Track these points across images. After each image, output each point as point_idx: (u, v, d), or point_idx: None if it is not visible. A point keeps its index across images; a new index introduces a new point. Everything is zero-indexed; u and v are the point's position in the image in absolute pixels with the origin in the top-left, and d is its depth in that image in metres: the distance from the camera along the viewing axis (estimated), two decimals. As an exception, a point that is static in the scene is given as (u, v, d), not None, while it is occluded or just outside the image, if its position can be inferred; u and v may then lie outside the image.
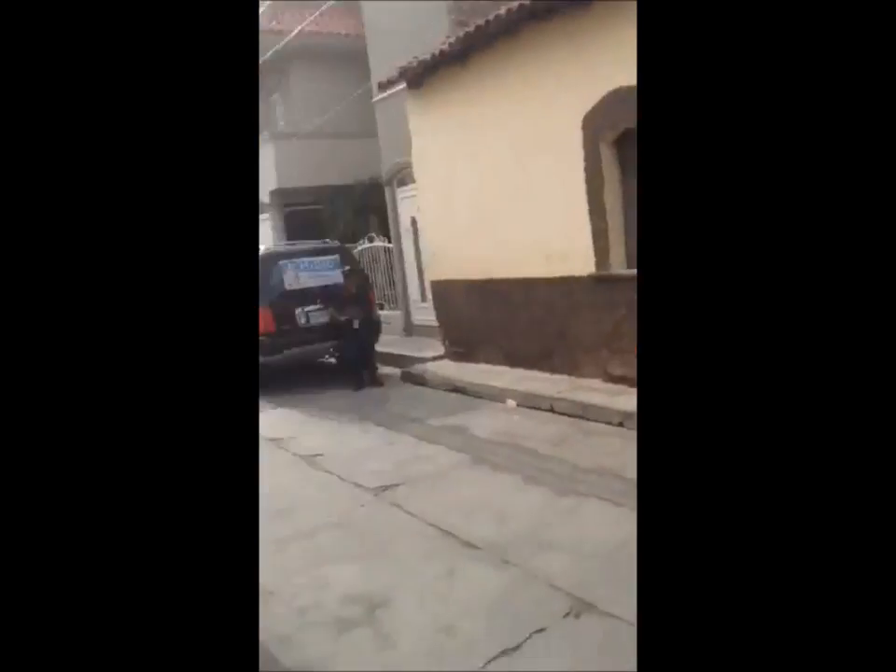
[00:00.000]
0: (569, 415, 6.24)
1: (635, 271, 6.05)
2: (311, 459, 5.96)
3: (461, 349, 8.82)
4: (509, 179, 7.58)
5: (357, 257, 11.30)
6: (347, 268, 9.25)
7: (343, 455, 5.95)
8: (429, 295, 9.96)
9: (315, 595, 3.57)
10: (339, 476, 5.42)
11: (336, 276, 9.13)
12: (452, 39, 7.73)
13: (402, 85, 9.13)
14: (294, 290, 8.90)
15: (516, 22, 6.89)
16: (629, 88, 5.83)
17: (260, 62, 13.55)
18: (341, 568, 3.84)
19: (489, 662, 2.81)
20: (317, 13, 11.50)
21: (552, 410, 6.47)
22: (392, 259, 11.74)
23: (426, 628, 3.14)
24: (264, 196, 14.77)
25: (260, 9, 12.50)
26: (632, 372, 6.11)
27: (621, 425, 5.69)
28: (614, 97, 6.18)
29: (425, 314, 10.76)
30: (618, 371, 6.52)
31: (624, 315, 6.27)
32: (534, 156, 7.22)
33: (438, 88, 8.47)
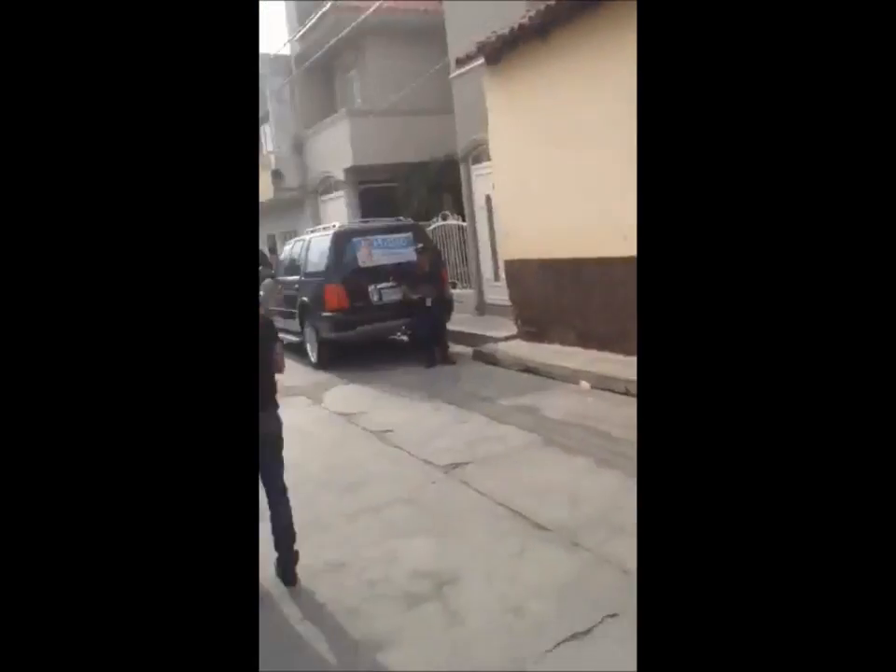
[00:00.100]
0: (644, 399, 6.08)
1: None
2: (381, 435, 6.00)
3: (534, 329, 8.71)
4: (585, 158, 7.40)
5: (430, 234, 11.28)
6: (420, 246, 9.23)
7: (414, 432, 5.96)
8: (502, 274, 9.88)
9: (384, 568, 3.59)
10: (409, 452, 5.44)
11: (409, 254, 9.14)
12: (532, 13, 7.56)
13: (480, 61, 9.00)
14: (367, 268, 8.96)
15: (598, -3, 6.68)
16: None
17: (337, 38, 13.66)
18: (410, 543, 3.85)
19: (559, 644, 2.77)
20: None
21: (626, 392, 6.32)
22: (466, 238, 11.67)
23: (494, 607, 3.12)
24: (339, 173, 14.88)
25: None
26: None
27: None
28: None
29: (498, 292, 10.68)
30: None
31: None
32: (612, 135, 7.01)
33: (516, 63, 8.32)
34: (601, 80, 7.07)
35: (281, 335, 10.32)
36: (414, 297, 8.67)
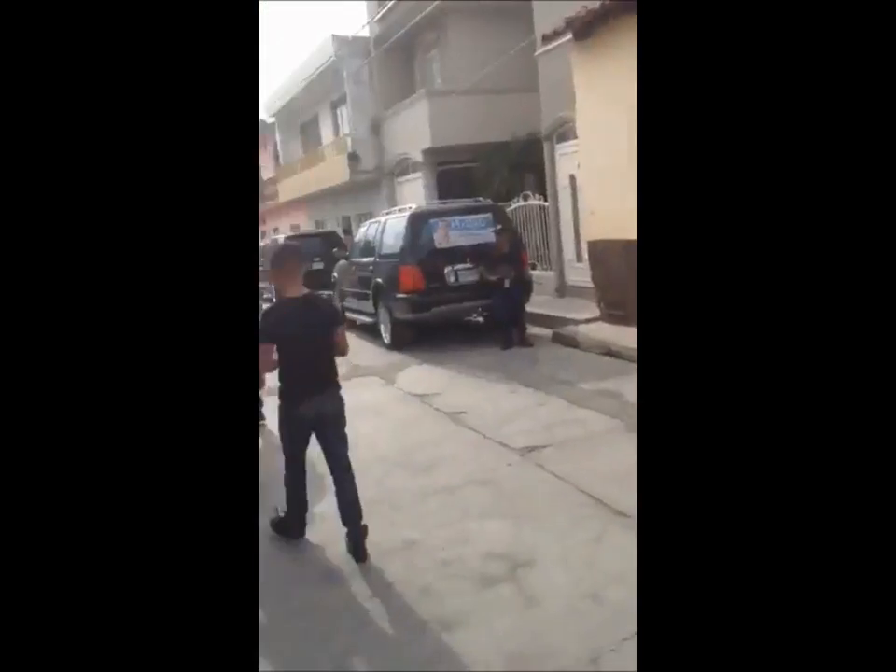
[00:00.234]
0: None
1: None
2: (455, 416, 5.91)
3: (618, 311, 8.43)
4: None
5: (510, 215, 11.10)
6: (499, 227, 9.05)
7: (489, 414, 5.84)
8: (585, 255, 9.62)
9: (457, 549, 3.50)
10: (483, 434, 5.32)
11: (487, 235, 8.96)
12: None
13: (568, 36, 8.75)
14: (444, 249, 8.87)
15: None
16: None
17: (418, 17, 13.55)
18: (484, 525, 3.75)
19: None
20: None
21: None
22: (547, 218, 11.42)
23: (571, 592, 2.99)
24: (416, 155, 14.81)
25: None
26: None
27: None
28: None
29: (579, 274, 10.42)
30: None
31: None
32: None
33: (607, 39, 8.01)
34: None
35: (354, 316, 10.54)
36: (492, 278, 8.53)
